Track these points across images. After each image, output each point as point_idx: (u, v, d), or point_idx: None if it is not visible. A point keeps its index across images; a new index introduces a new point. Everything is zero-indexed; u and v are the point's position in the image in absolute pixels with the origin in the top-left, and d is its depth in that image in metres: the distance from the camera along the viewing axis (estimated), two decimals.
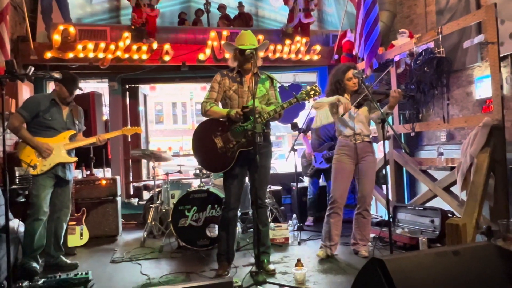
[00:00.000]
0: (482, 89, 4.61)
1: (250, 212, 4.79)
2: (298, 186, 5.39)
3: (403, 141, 5.33)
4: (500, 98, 3.33)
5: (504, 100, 3.62)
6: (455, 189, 3.84)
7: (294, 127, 5.08)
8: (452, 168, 3.96)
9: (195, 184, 5.17)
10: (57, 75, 3.33)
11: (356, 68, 3.71)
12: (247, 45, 3.18)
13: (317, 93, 3.12)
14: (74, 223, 4.46)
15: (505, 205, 3.23)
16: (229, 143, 3.15)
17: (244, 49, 3.14)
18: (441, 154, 4.25)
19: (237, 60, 3.28)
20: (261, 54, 3.38)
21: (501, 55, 3.57)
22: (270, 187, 5.22)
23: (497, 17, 3.38)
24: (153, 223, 4.72)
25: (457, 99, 5.01)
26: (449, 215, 3.84)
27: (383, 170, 5.24)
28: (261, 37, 5.71)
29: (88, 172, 5.17)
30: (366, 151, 3.66)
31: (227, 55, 5.36)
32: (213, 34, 5.71)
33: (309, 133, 5.36)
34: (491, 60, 3.40)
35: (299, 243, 4.29)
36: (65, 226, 3.75)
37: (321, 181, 5.43)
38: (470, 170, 3.37)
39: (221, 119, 3.22)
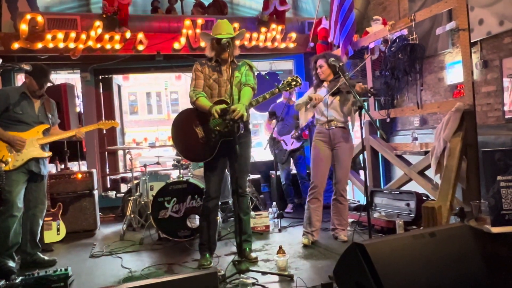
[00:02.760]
0: (453, 74, 4.74)
1: (230, 201, 4.80)
2: (277, 174, 5.45)
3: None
4: (471, 84, 3.43)
5: (474, 85, 3.73)
6: (429, 173, 3.96)
7: (272, 115, 5.09)
8: (426, 153, 4.07)
9: (174, 175, 5.13)
10: (26, 66, 3.21)
11: (330, 56, 3.75)
12: (224, 34, 3.15)
13: (298, 84, 3.14)
14: (50, 218, 4.36)
15: (476, 187, 3.35)
16: (210, 133, 3.14)
17: (221, 39, 3.11)
18: (416, 139, 4.37)
19: (214, 49, 3.24)
20: (237, 42, 3.35)
21: (471, 41, 3.66)
22: (249, 176, 5.24)
23: (467, 4, 3.46)
24: (132, 215, 4.67)
25: (429, 85, 5.13)
26: (424, 198, 3.97)
27: (360, 156, 5.34)
28: (236, 25, 5.63)
29: (63, 166, 5.05)
30: (340, 136, 3.72)
31: (203, 44, 5.29)
32: (187, 22, 5.61)
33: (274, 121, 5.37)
34: (462, 47, 3.48)
35: (279, 230, 4.35)
36: (41, 222, 3.65)
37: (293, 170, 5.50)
38: (444, 154, 3.46)
39: None
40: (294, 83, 3.14)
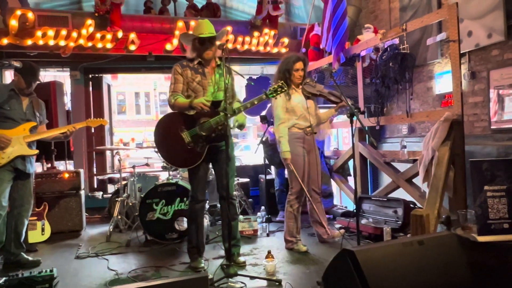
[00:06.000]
0: (442, 84, 4.82)
1: (219, 205, 4.78)
2: (266, 178, 5.45)
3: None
4: (460, 94, 3.49)
5: (462, 96, 3.80)
6: (417, 181, 4.01)
7: (263, 119, 5.10)
8: (414, 161, 4.12)
9: (163, 177, 5.09)
10: (17, 63, 3.17)
11: (304, 59, 3.83)
12: (206, 34, 3.11)
13: (283, 90, 3.12)
14: (35, 218, 4.27)
15: (463, 196, 3.40)
16: (198, 138, 3.08)
17: (203, 38, 3.09)
18: (404, 147, 4.41)
19: (196, 50, 3.18)
20: (218, 43, 3.28)
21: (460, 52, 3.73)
22: (238, 179, 5.23)
23: (458, 16, 3.52)
24: (119, 217, 4.62)
25: (418, 94, 5.21)
26: (411, 205, 4.01)
27: (349, 162, 5.38)
28: (229, 28, 5.66)
29: (49, 165, 4.97)
30: (314, 142, 3.89)
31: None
32: (180, 24, 5.59)
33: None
34: (452, 58, 3.55)
35: (267, 235, 4.34)
36: (26, 222, 3.58)
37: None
38: (432, 162, 3.51)
39: (188, 113, 3.11)
40: (280, 89, 3.12)
